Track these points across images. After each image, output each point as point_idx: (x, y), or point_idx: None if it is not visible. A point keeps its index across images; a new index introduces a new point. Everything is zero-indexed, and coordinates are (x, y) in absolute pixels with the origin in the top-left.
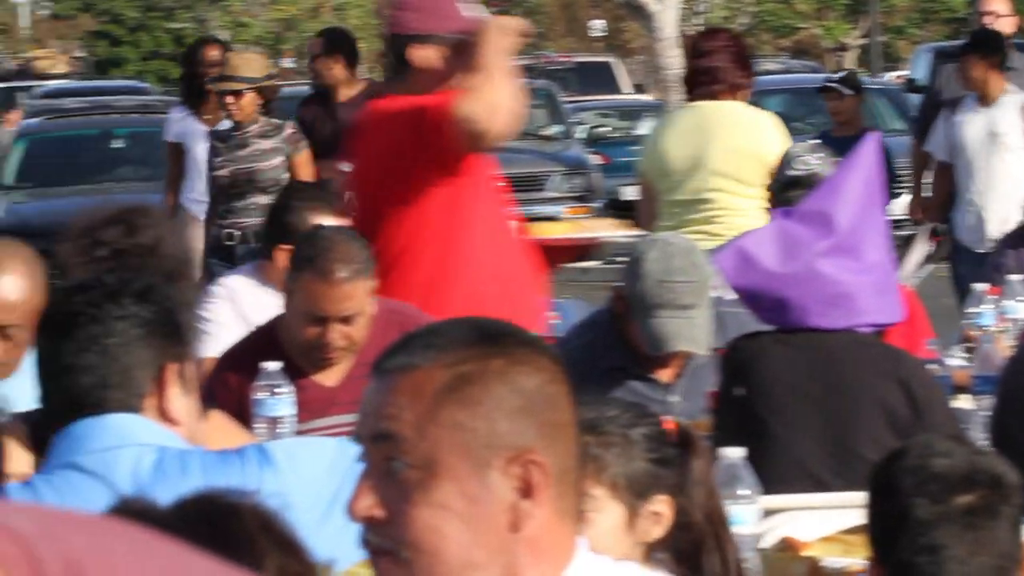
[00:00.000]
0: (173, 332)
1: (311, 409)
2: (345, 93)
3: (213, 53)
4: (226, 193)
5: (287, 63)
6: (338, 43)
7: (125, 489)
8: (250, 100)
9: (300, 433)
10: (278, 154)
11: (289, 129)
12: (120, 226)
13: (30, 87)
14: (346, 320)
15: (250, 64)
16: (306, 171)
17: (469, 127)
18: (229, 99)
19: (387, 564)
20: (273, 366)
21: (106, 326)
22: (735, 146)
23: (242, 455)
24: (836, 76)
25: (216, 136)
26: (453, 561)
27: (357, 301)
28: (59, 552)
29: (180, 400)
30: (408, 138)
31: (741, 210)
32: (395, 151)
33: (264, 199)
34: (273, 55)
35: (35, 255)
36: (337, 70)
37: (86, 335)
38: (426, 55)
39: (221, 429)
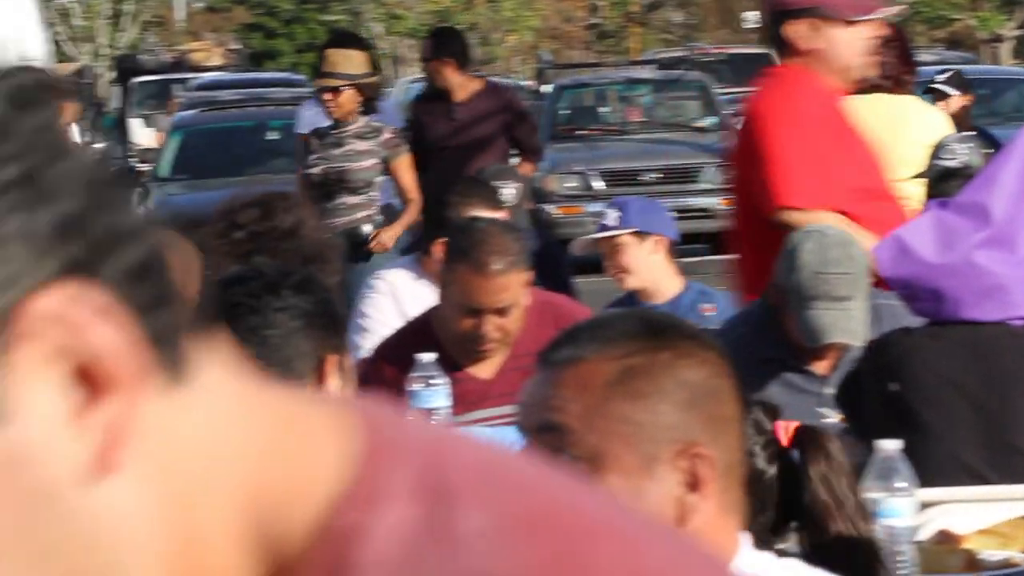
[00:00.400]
0: (332, 323)
1: (465, 402)
2: (460, 94)
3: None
4: (317, 192)
5: None
6: (447, 44)
7: None
8: (348, 97)
9: (454, 426)
10: (372, 156)
11: (388, 133)
12: (257, 209)
13: (185, 79)
14: (501, 312)
15: (350, 60)
16: (406, 176)
17: (780, 222)
18: (327, 96)
19: None
20: (428, 358)
21: (266, 317)
22: (917, 139)
23: None
24: (942, 77)
25: (314, 134)
26: None
27: (512, 293)
28: (427, 467)
29: (339, 391)
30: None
31: (917, 199)
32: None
33: (353, 200)
34: None
35: (191, 247)
36: (448, 71)
37: (246, 326)
38: (798, 30)
39: None
